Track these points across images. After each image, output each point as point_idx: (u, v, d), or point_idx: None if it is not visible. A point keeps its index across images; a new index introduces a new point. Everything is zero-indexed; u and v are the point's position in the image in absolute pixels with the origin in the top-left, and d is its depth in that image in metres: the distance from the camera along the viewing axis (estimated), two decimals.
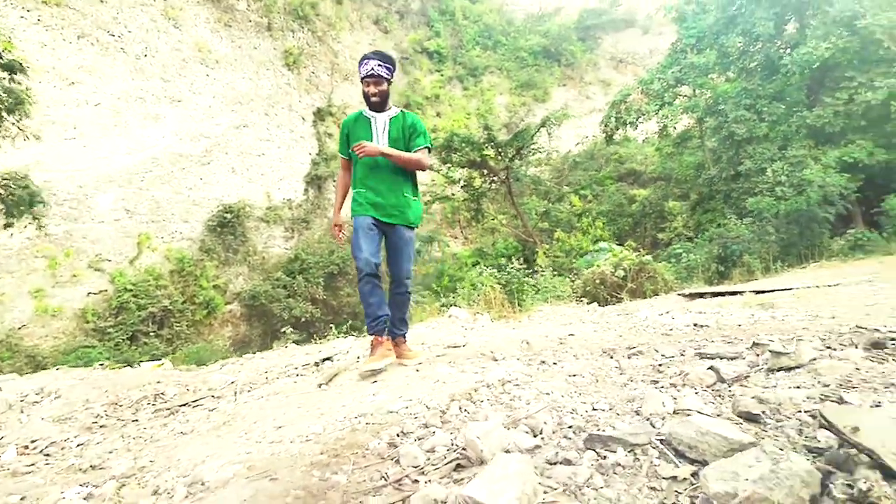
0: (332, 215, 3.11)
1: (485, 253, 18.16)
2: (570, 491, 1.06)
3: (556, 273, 9.86)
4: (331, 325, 7.73)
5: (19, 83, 7.92)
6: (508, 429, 1.45)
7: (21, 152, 11.92)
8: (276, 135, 19.33)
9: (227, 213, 16.08)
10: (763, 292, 5.52)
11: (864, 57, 11.40)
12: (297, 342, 7.67)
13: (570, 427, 1.49)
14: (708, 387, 1.75)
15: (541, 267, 9.22)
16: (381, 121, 2.92)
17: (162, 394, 3.21)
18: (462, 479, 1.22)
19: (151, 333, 13.11)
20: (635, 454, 1.21)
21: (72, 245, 13.11)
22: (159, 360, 6.33)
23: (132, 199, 14.56)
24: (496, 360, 2.97)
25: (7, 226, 8.59)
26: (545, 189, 18.17)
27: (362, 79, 2.90)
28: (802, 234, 9.84)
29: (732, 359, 2.12)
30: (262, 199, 17.99)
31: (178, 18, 16.55)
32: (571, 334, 3.98)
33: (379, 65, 2.84)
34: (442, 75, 24.58)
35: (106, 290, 13.36)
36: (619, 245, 11.00)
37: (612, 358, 2.59)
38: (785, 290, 5.49)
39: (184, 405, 3.09)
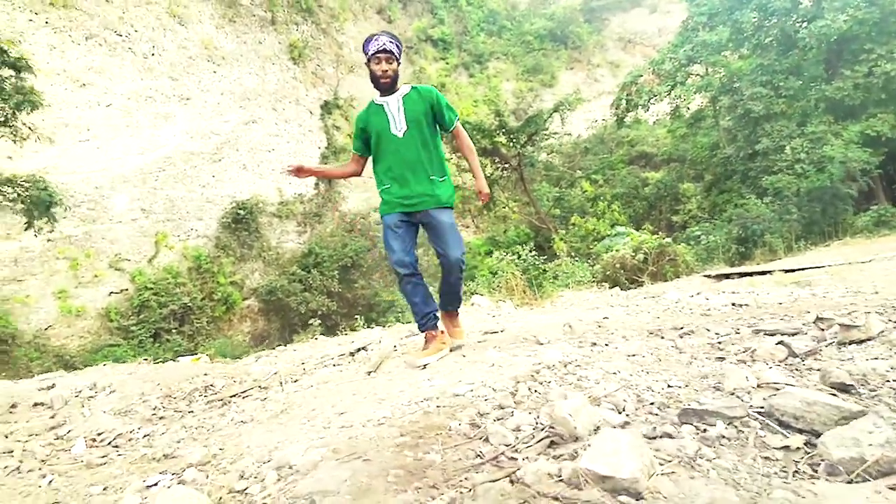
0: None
1: (497, 241, 18.14)
2: (684, 462, 1.07)
3: (574, 259, 9.84)
4: (356, 317, 7.81)
5: (24, 79, 7.91)
6: (592, 406, 1.47)
7: (38, 156, 12.07)
8: (285, 129, 19.34)
9: (240, 209, 16.19)
10: (793, 271, 5.48)
11: (883, 28, 11.15)
12: (323, 334, 7.76)
13: (651, 403, 1.50)
14: (780, 362, 1.75)
15: (563, 252, 9.19)
16: (393, 104, 2.73)
17: (211, 385, 3.26)
18: (561, 455, 1.23)
19: (173, 330, 13.30)
20: (736, 427, 1.22)
21: (92, 246, 13.28)
22: (195, 354, 6.43)
23: (147, 198, 14.68)
24: (541, 344, 2.98)
25: (28, 226, 8.71)
26: (557, 175, 18.05)
27: (372, 55, 2.65)
28: (825, 211, 9.72)
29: (794, 334, 2.11)
30: (273, 194, 18.05)
31: (182, 16, 16.53)
32: (606, 318, 3.97)
33: (389, 41, 2.68)
34: (447, 63, 24.37)
35: (127, 290, 13.55)
36: (636, 229, 10.94)
37: (662, 338, 2.59)
38: (816, 267, 5.45)
39: (234, 396, 3.15)
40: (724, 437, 1.18)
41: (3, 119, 7.91)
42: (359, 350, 4.23)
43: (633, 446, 1.05)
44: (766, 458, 1.08)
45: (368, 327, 6.87)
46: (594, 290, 7.73)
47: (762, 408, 1.29)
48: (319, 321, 12.87)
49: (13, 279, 12.10)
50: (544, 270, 8.90)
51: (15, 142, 8.22)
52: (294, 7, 20.13)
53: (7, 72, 7.71)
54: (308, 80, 20.41)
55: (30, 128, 8.26)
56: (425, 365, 2.74)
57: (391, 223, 2.79)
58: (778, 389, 1.39)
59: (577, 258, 10.03)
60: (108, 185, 14.04)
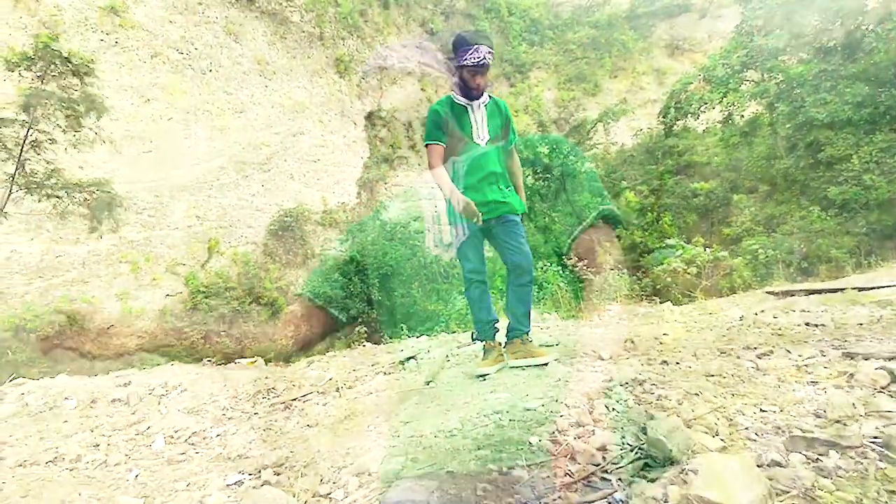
0: (456, 195, 2.49)
1: (537, 252, 17.91)
2: (800, 494, 1.01)
3: (619, 271, 9.58)
4: (400, 325, 7.89)
5: (88, 84, 8.43)
6: (685, 429, 1.41)
7: (106, 165, 12.95)
8: (330, 140, 19.94)
9: (287, 217, 16.76)
10: (870, 289, 5.10)
11: None
12: (367, 341, 7.87)
13: (746, 428, 1.43)
14: (882, 388, 1.63)
15: (608, 265, 8.98)
16: (478, 111, 2.69)
17: (273, 388, 3.37)
18: (658, 479, 1.19)
19: (222, 333, 13.85)
20: (852, 457, 1.14)
21: (151, 250, 14.08)
22: (243, 356, 6.67)
23: (202, 206, 15.46)
24: (602, 359, 2.91)
25: (93, 229, 9.30)
26: (600, 185, 17.67)
27: (469, 66, 2.53)
28: None
29: (891, 358, 1.97)
30: (318, 203, 18.61)
31: (238, 34, 17.42)
32: (665, 334, 3.83)
33: (489, 51, 2.54)
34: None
35: (181, 293, 14.25)
36: (686, 242, 10.54)
37: (738, 358, 2.47)
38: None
39: (294, 399, 3.24)
40: (840, 467, 1.11)
41: (68, 126, 8.50)
42: (408, 359, 4.25)
43: (747, 474, 1.00)
44: (892, 491, 1.00)
45: (419, 336, 6.91)
46: (643, 305, 7.48)
47: (877, 437, 1.20)
48: (353, 329, 13.10)
49: (81, 281, 12.99)
50: (590, 283, 8.71)
51: (76, 148, 8.76)
52: (341, 23, 20.83)
53: (73, 80, 8.28)
54: (353, 92, 21.01)
55: (96, 133, 8.82)
56: (484, 376, 2.72)
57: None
58: (890, 419, 1.29)
59: (622, 271, 9.76)
60: (168, 194, 14.89)
